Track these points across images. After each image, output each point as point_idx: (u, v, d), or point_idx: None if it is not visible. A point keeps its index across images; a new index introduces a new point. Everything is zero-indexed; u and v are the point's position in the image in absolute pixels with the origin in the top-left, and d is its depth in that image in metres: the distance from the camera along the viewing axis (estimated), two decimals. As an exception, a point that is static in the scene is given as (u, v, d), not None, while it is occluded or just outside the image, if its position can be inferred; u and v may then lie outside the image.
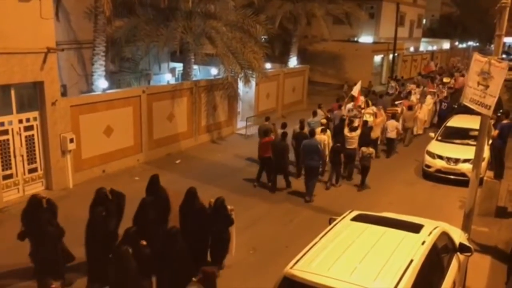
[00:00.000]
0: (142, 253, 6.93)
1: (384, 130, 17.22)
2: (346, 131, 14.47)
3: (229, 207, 8.82)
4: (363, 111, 17.12)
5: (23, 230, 8.08)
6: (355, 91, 17.24)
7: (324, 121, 15.43)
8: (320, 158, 13.12)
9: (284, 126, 14.21)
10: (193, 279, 7.35)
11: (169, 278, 7.26)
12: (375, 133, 16.39)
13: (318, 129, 14.39)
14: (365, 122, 16.02)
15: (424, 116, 20.34)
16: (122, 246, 6.90)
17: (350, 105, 17.55)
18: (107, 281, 6.95)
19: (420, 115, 19.73)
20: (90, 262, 8.14)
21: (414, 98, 21.22)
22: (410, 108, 18.66)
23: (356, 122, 15.39)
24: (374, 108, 17.71)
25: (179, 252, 7.37)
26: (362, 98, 18.12)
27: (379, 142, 17.15)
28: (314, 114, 16.50)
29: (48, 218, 8.09)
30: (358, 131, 14.59)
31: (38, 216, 8.00)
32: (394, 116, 17.52)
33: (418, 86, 24.65)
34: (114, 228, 8.23)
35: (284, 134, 13.50)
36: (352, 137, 14.30)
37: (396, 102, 20.36)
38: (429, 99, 21.36)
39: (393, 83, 25.88)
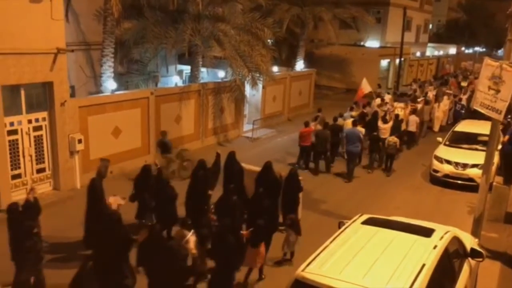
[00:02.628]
0: None
1: (406, 123, 18.71)
2: (379, 123, 16.68)
3: (300, 177, 10.83)
4: (395, 104, 19.91)
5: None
6: (365, 86, 20.13)
7: (354, 114, 17.84)
8: (360, 145, 14.94)
9: (315, 118, 16.60)
10: (281, 228, 9.88)
11: (265, 227, 8.77)
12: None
13: (349, 121, 16.40)
14: (397, 115, 17.92)
15: (441, 114, 21.70)
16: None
17: (378, 101, 20.39)
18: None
19: (438, 113, 21.35)
20: (189, 215, 9.48)
21: (430, 94, 23.22)
22: (426, 103, 20.93)
23: (388, 115, 17.71)
24: (402, 104, 20.07)
25: (268, 209, 9.46)
26: (367, 87, 20.76)
27: None
28: (351, 109, 18.77)
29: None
30: (390, 123, 16.69)
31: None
32: (414, 112, 19.25)
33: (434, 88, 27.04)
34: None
35: (326, 124, 15.80)
36: (384, 128, 16.42)
37: (419, 100, 22.23)
38: (446, 100, 22.53)
39: (414, 85, 27.70)
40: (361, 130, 15.55)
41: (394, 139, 15.60)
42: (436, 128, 21.41)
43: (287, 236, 9.44)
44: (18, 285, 7.35)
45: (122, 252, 7.66)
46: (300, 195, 10.79)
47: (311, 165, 15.67)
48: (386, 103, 20.37)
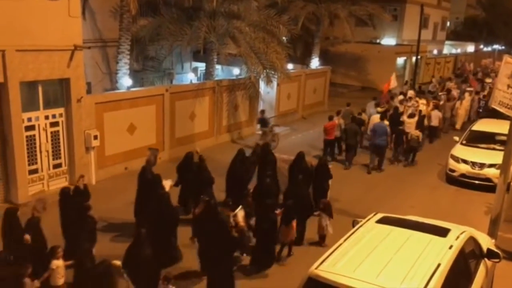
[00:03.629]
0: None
1: (428, 119, 19.34)
2: (405, 117, 17.45)
3: (330, 166, 12.08)
4: (419, 101, 20.45)
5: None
6: (393, 81, 21.44)
7: (380, 109, 18.50)
8: (387, 138, 15.69)
9: (338, 113, 17.02)
10: (315, 213, 10.54)
11: (298, 212, 9.71)
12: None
13: (376, 116, 17.01)
14: (420, 111, 18.71)
15: (464, 111, 22.06)
16: None
17: (401, 97, 21.01)
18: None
19: (460, 110, 21.78)
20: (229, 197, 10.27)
21: (455, 92, 23.60)
22: (449, 100, 21.58)
23: (411, 110, 18.39)
24: (424, 100, 20.83)
25: (303, 192, 10.48)
26: (394, 83, 21.94)
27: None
28: (377, 105, 19.64)
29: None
30: (416, 118, 17.40)
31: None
32: (437, 107, 19.87)
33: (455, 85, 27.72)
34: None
35: (354, 118, 16.75)
36: (410, 123, 17.09)
37: (440, 93, 23.40)
38: (467, 96, 22.86)
39: (434, 81, 29.33)
40: (386, 123, 16.16)
41: (417, 133, 16.42)
42: (459, 125, 21.60)
43: (320, 219, 10.21)
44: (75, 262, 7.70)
45: (171, 228, 8.75)
46: (330, 181, 11.89)
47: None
48: (410, 98, 20.93)
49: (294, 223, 9.51)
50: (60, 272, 7.29)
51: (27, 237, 7.74)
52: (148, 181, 10.08)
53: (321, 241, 10.22)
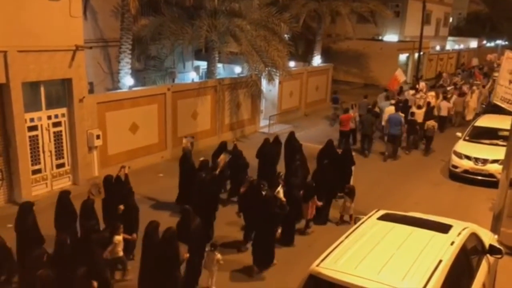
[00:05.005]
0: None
1: (437, 109, 20.34)
2: (414, 108, 18.51)
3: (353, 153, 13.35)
4: (428, 93, 22.13)
5: None
6: (400, 75, 22.47)
7: (393, 101, 19.71)
8: (401, 128, 16.65)
9: (353, 106, 18.31)
10: (339, 195, 11.69)
11: (323, 193, 10.94)
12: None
13: (390, 108, 17.96)
14: (429, 103, 19.79)
15: (474, 103, 22.85)
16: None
17: (412, 91, 22.51)
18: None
19: (470, 103, 22.52)
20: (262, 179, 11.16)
21: (465, 87, 24.95)
22: (460, 95, 22.47)
23: (421, 102, 19.88)
24: (433, 93, 22.45)
25: (329, 176, 11.40)
26: (402, 77, 23.02)
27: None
28: (387, 98, 21.08)
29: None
30: (423, 109, 18.63)
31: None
32: (445, 98, 21.13)
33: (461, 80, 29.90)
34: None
35: (369, 109, 17.88)
36: (418, 113, 18.07)
37: (448, 88, 24.81)
38: (475, 89, 23.94)
39: (444, 74, 31.63)
40: (401, 115, 17.07)
41: (432, 123, 17.58)
42: (470, 117, 22.01)
43: (344, 202, 11.25)
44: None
45: (212, 207, 10.01)
46: (353, 168, 12.75)
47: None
48: (420, 90, 22.63)
49: (314, 201, 10.58)
50: (120, 246, 8.38)
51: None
52: (189, 166, 11.48)
53: (345, 221, 11.27)
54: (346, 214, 11.29)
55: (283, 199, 10.09)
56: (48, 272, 6.69)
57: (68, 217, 8.88)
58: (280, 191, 10.30)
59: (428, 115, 18.38)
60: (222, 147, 12.73)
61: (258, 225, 9.10)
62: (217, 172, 11.35)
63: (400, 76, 22.68)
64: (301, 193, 10.55)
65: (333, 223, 11.38)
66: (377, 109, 18.96)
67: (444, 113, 20.34)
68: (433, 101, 20.49)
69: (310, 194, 10.53)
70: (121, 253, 8.44)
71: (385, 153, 16.69)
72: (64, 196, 9.04)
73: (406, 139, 17.66)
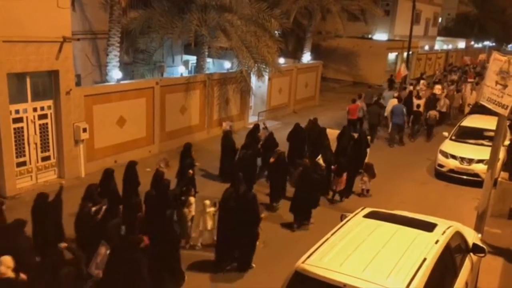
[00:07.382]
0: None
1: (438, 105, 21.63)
2: (414, 99, 20.28)
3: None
4: (436, 86, 24.27)
5: None
6: (403, 70, 25.14)
7: (396, 94, 21.42)
8: (403, 118, 18.29)
9: (360, 96, 19.65)
10: (360, 171, 13.34)
11: (346, 165, 12.66)
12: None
13: (393, 100, 19.56)
14: (434, 94, 22.36)
15: (472, 99, 23.65)
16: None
17: (411, 88, 23.91)
18: None
19: (469, 100, 23.75)
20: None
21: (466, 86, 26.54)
22: (458, 91, 24.37)
23: (421, 93, 21.74)
24: (439, 86, 24.43)
25: (354, 157, 13.21)
26: (405, 71, 25.57)
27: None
28: (390, 88, 23.59)
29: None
30: (423, 100, 20.60)
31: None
32: (459, 91, 23.59)
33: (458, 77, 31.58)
34: None
35: (376, 101, 19.73)
36: (418, 103, 19.84)
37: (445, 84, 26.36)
38: (469, 86, 25.66)
39: (438, 73, 33.46)
40: (404, 106, 18.71)
41: (434, 112, 19.41)
42: (467, 110, 23.10)
43: (362, 177, 13.11)
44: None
45: (250, 182, 11.09)
46: (368, 150, 14.19)
47: None
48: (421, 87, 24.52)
49: (344, 176, 12.26)
50: (193, 207, 9.65)
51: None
52: (230, 144, 13.36)
53: (365, 194, 13.10)
54: (365, 187, 13.08)
55: (323, 165, 11.86)
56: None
57: (133, 185, 10.33)
58: (320, 158, 11.99)
59: (430, 105, 20.24)
60: (255, 129, 14.25)
61: (301, 190, 10.77)
62: (259, 145, 13.25)
63: (404, 70, 25.38)
64: (333, 168, 12.31)
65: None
66: (382, 101, 20.39)
67: (444, 109, 21.62)
68: (439, 93, 22.66)
69: (342, 170, 12.23)
70: (193, 213, 9.66)
71: (390, 140, 18.47)
72: (130, 166, 10.53)
73: (411, 128, 19.52)
